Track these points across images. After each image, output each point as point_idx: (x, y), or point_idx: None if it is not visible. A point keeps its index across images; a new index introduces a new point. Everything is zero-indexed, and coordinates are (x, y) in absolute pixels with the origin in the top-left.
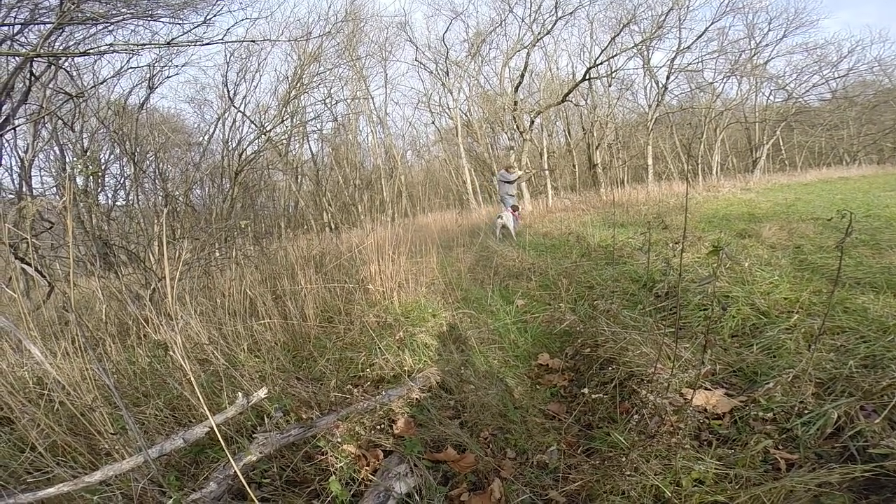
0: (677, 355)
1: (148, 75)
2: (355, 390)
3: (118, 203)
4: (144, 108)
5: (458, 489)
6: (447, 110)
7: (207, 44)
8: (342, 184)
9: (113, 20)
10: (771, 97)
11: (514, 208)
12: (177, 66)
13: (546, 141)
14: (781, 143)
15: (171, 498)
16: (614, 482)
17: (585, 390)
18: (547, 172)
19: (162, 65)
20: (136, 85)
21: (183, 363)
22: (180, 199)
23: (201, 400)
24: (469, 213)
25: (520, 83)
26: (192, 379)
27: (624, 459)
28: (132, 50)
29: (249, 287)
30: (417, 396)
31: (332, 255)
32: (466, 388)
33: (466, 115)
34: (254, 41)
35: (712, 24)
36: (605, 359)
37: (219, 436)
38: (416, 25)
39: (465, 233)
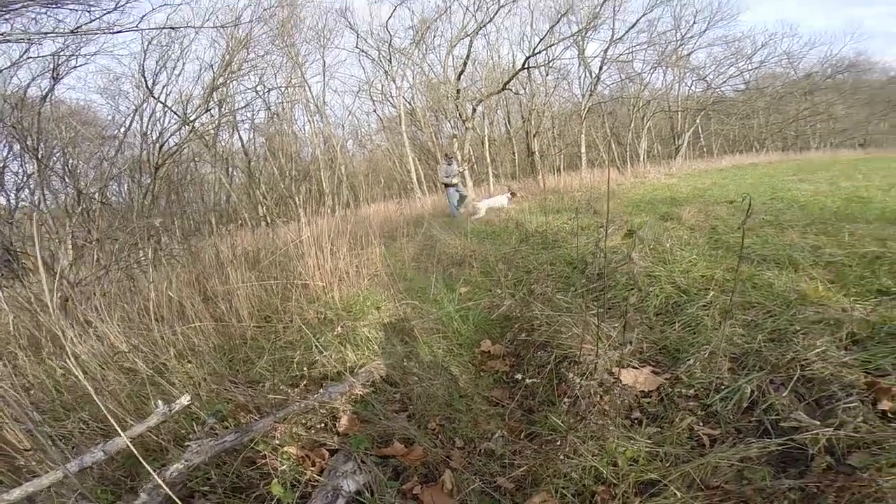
0: (606, 335)
1: (52, 65)
2: (295, 390)
3: (21, 204)
4: (48, 100)
5: (410, 483)
6: (390, 98)
7: (119, 32)
8: (278, 175)
9: (10, 7)
10: (692, 87)
11: (513, 193)
12: (86, 55)
13: (487, 129)
14: (700, 132)
15: None
16: (556, 466)
17: (519, 376)
18: (489, 161)
19: (68, 54)
20: (38, 75)
21: (93, 375)
22: (95, 196)
23: (110, 412)
24: (413, 203)
25: (462, 71)
26: (106, 390)
27: (561, 443)
28: (30, 40)
29: (176, 289)
30: (361, 392)
31: (268, 252)
32: (411, 380)
33: (410, 104)
34: (174, 28)
35: (643, 15)
36: (540, 342)
37: (133, 448)
38: (358, 11)
39: (409, 222)
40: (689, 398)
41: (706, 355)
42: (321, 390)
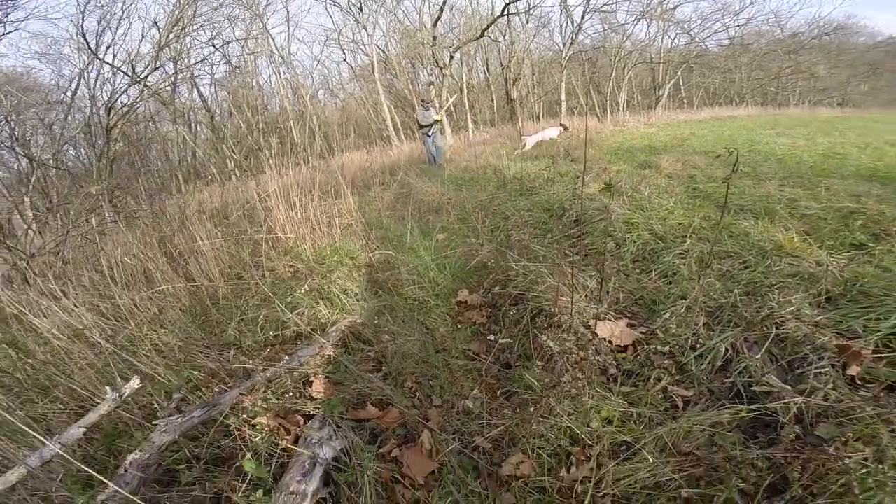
0: (583, 286)
1: None
2: (263, 354)
3: None
4: None
5: (388, 445)
6: (362, 47)
7: None
8: (245, 130)
9: None
10: (676, 40)
11: (564, 127)
12: (15, 21)
13: (466, 76)
14: (682, 84)
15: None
16: (532, 426)
17: (492, 337)
18: (467, 108)
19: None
20: None
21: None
22: (49, 162)
23: (80, 391)
24: (391, 151)
25: (439, 18)
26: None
27: (537, 404)
28: None
29: (138, 251)
30: (332, 353)
31: (237, 206)
32: (385, 338)
33: (384, 52)
34: None
35: None
36: (515, 295)
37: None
38: None
39: (385, 171)
40: (664, 355)
41: (682, 310)
42: (287, 357)
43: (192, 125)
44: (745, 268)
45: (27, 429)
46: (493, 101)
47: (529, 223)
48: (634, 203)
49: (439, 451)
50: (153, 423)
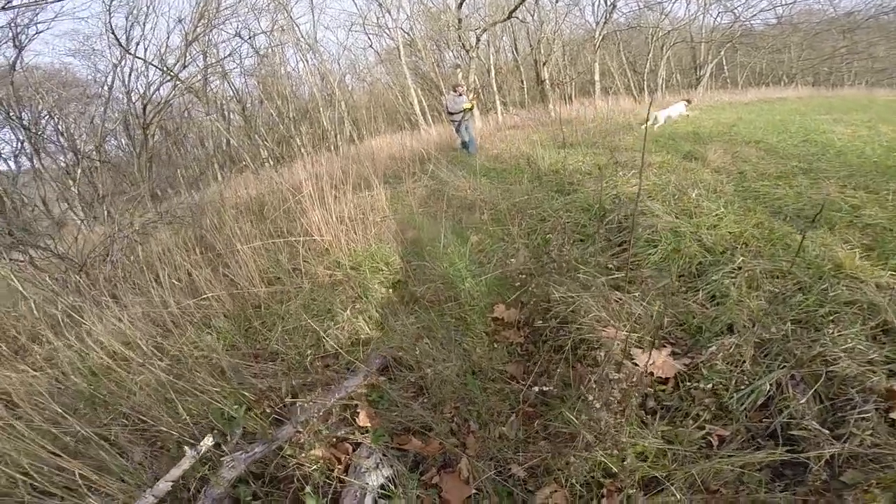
0: (626, 312)
1: (11, 34)
2: (311, 375)
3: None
4: (17, 68)
5: (429, 472)
6: (387, 30)
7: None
8: (276, 118)
9: None
10: (719, 19)
11: (688, 101)
12: (44, 21)
13: (493, 57)
14: (725, 63)
15: None
16: (567, 458)
17: (536, 388)
18: (495, 89)
19: (24, 23)
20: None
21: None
22: (93, 155)
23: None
24: (419, 135)
25: (463, 0)
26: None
27: (574, 439)
28: None
29: (183, 258)
30: (375, 381)
31: (272, 198)
32: (424, 363)
33: (409, 34)
34: None
35: None
36: (556, 324)
37: None
38: None
39: (415, 158)
40: (705, 392)
41: (730, 350)
42: (340, 384)
43: (226, 113)
44: (800, 289)
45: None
46: (522, 82)
47: (568, 225)
48: (681, 207)
49: (476, 478)
50: (221, 459)
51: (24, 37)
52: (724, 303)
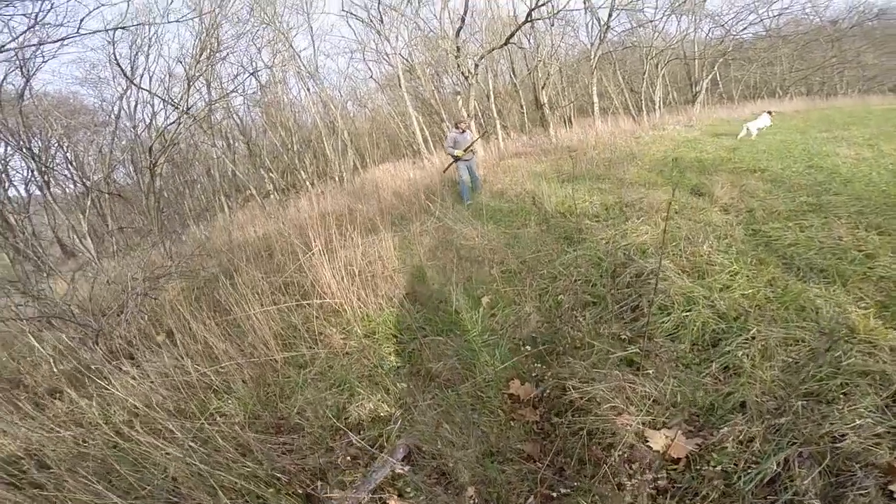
0: (640, 395)
1: (17, 63)
2: (335, 456)
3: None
4: (25, 96)
5: None
6: (385, 57)
7: (62, 41)
8: (280, 148)
9: None
10: (710, 34)
11: (770, 112)
12: (50, 49)
13: (491, 81)
14: (719, 78)
15: None
16: None
17: (561, 490)
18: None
19: (29, 54)
20: (8, 73)
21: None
22: (102, 186)
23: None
24: (422, 163)
25: (461, 27)
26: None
27: None
28: None
29: (197, 325)
30: (400, 471)
31: (282, 245)
32: (445, 450)
33: (408, 61)
34: (123, 28)
35: None
36: (572, 411)
37: None
38: None
39: (420, 191)
40: (715, 473)
41: (740, 434)
42: (366, 478)
43: (231, 143)
44: (813, 357)
45: None
46: (521, 106)
47: (578, 283)
48: (693, 263)
49: None
50: None
51: (31, 65)
52: (737, 374)
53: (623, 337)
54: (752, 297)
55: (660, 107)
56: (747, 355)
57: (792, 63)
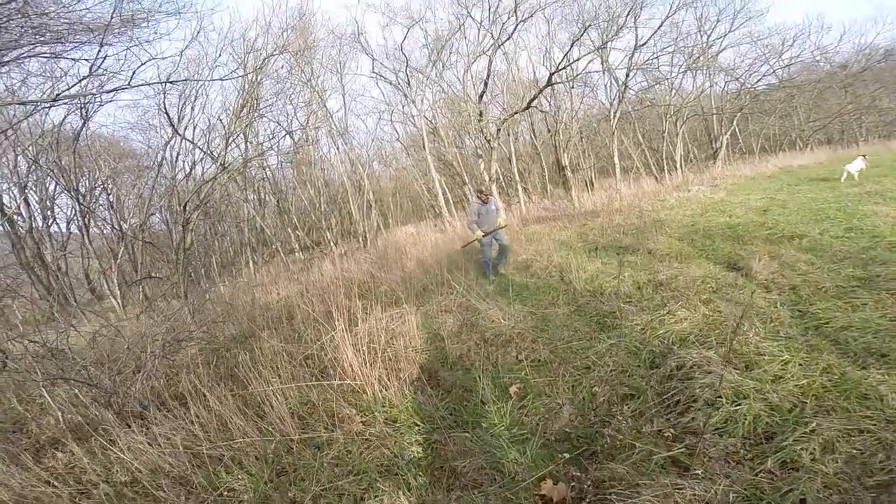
0: (690, 497)
1: (79, 105)
2: None
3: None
4: (81, 138)
5: None
6: (411, 119)
7: (114, 90)
8: (308, 206)
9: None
10: (725, 88)
11: (864, 156)
12: (108, 91)
13: (513, 144)
14: (739, 133)
15: None
16: None
17: None
18: (517, 177)
19: (91, 95)
20: (68, 114)
21: None
22: (137, 236)
23: None
24: (443, 226)
25: (483, 91)
26: None
27: None
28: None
29: (213, 399)
30: None
31: (304, 310)
32: None
33: (432, 123)
34: (172, 82)
35: (667, 18)
36: None
37: None
38: (370, 35)
39: (441, 258)
40: None
41: None
42: None
43: (262, 196)
44: (881, 448)
45: None
46: (542, 167)
47: (614, 373)
48: (738, 353)
49: None
50: None
51: (90, 108)
52: (795, 468)
53: (666, 434)
54: (808, 387)
55: (681, 165)
56: (806, 449)
57: (808, 113)
